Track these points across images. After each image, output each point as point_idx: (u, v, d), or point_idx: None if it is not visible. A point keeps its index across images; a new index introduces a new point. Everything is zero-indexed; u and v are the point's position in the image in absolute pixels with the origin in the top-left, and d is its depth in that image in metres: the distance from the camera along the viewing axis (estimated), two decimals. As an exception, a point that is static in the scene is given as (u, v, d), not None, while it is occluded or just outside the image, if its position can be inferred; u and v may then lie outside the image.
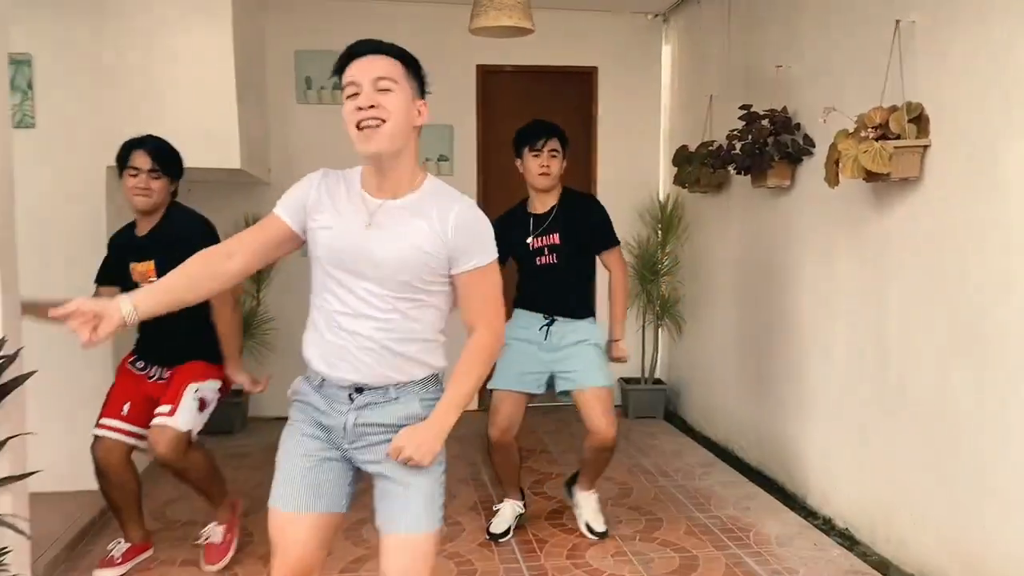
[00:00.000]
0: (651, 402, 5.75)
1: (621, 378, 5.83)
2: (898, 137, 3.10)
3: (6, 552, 2.84)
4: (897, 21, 3.21)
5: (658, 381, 5.89)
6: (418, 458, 1.94)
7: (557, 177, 3.57)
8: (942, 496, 3.07)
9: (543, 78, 5.93)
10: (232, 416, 5.32)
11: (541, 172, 3.52)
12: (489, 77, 5.83)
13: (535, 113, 5.80)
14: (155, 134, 3.93)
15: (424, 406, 2.03)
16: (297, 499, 2.02)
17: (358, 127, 1.95)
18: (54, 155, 3.88)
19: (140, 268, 3.21)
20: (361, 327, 1.98)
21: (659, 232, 5.78)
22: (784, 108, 4.07)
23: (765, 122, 4.09)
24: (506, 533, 3.60)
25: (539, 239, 3.55)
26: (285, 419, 2.14)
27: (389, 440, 1.99)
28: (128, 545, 3.36)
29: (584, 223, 3.57)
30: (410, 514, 1.98)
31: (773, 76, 4.19)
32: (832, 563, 3.37)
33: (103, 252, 3.98)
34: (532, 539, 3.61)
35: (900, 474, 3.32)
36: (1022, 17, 2.65)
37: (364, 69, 1.96)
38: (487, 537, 3.58)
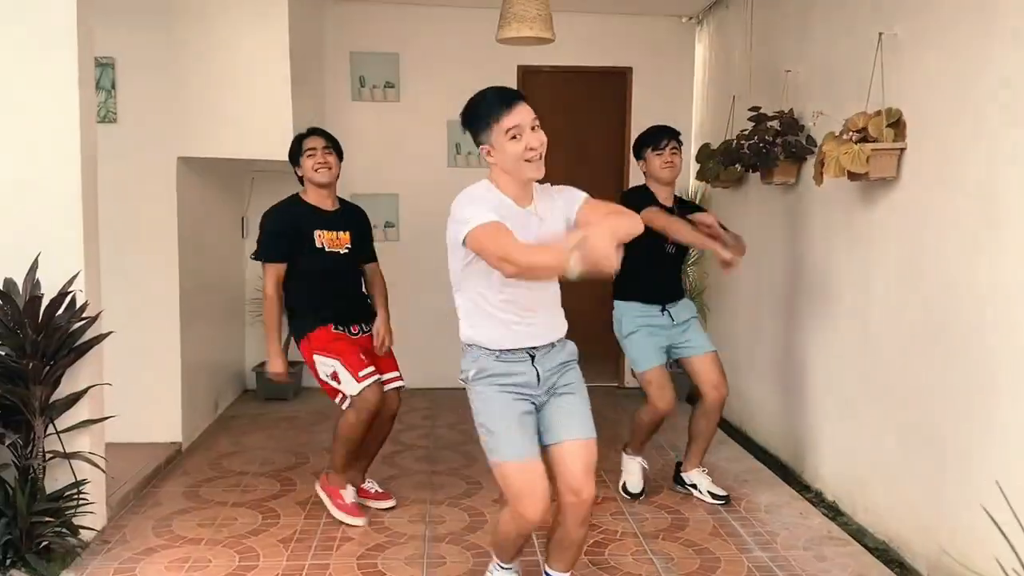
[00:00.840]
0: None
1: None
2: (876, 140, 3.40)
3: (85, 483, 3.37)
4: (880, 33, 3.49)
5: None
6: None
7: (679, 171, 4.03)
8: (908, 470, 3.37)
9: (580, 78, 6.29)
10: (287, 386, 5.84)
11: (666, 166, 3.94)
12: (529, 77, 6.21)
13: (573, 111, 6.26)
14: (218, 128, 4.46)
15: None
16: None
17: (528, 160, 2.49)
18: (133, 146, 4.40)
19: (329, 236, 3.71)
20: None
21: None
22: (791, 110, 4.36)
23: (774, 123, 4.39)
24: (640, 495, 4.04)
25: None
26: None
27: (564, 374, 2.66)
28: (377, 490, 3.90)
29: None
30: (586, 422, 2.60)
31: (782, 80, 4.48)
32: (811, 529, 3.68)
33: (175, 233, 4.53)
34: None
35: (875, 449, 3.61)
36: (988, 31, 2.91)
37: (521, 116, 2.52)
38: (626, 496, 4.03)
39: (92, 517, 3.45)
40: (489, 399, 2.57)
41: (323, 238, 3.71)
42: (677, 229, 3.76)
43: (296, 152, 3.80)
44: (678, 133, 4.05)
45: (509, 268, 2.34)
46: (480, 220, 2.41)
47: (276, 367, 3.75)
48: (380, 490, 3.92)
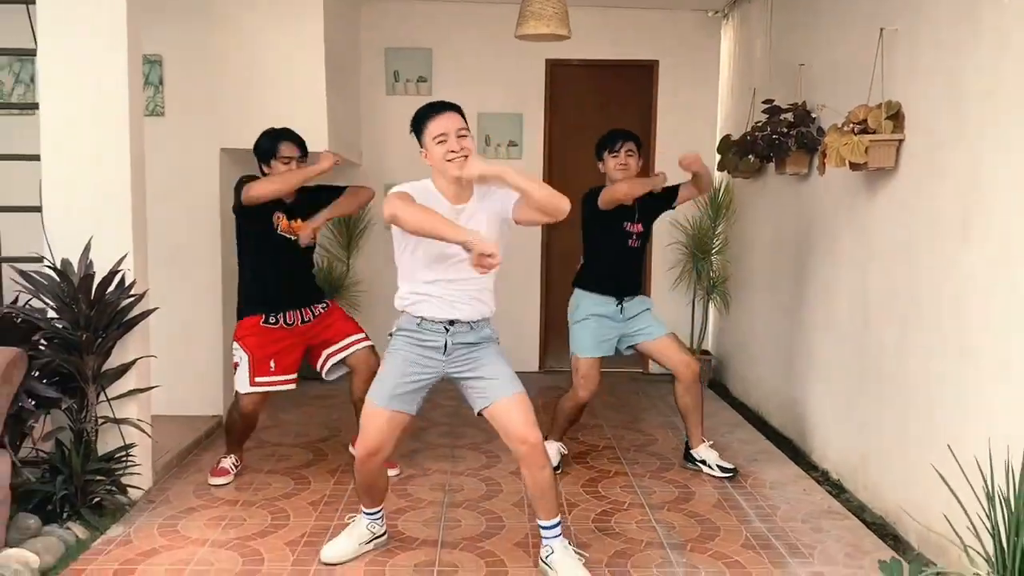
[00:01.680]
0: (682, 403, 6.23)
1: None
2: (875, 132, 3.54)
3: (133, 447, 3.67)
4: (881, 29, 3.63)
5: (705, 352, 6.39)
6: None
7: (634, 172, 4.20)
8: (901, 449, 3.52)
9: (607, 71, 6.47)
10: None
11: (619, 168, 4.15)
12: (557, 70, 6.41)
13: (599, 103, 6.45)
14: (258, 121, 4.73)
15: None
16: None
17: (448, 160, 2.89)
18: (179, 138, 4.70)
19: (286, 221, 3.93)
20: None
21: (711, 214, 6.25)
22: (804, 103, 4.51)
23: (788, 115, 4.54)
24: (556, 469, 4.21)
25: (634, 225, 4.21)
26: None
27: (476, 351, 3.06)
28: (235, 459, 4.15)
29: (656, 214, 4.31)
30: (511, 382, 3.02)
31: (797, 73, 4.63)
32: (813, 504, 3.85)
33: (217, 219, 4.83)
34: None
35: (875, 429, 3.77)
36: (979, 27, 3.05)
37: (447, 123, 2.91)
38: None
39: (139, 478, 3.76)
40: (391, 354, 3.06)
41: (280, 220, 3.92)
42: (633, 185, 4.07)
43: (269, 152, 3.88)
44: (634, 136, 4.23)
45: (386, 213, 2.78)
46: (394, 191, 2.87)
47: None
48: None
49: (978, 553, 2.18)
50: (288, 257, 3.95)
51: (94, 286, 3.43)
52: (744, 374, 5.85)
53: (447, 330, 3.01)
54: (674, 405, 5.26)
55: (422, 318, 3.01)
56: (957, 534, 2.24)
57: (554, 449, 4.30)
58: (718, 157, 5.75)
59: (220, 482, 4.00)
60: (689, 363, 4.20)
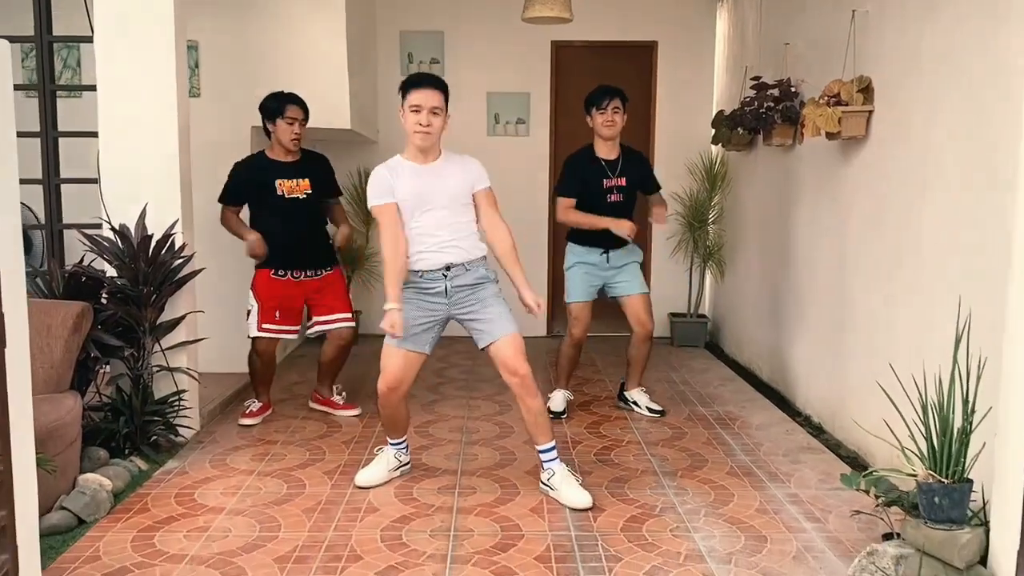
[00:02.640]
0: (693, 333, 6.67)
1: (669, 312, 6.78)
2: (847, 104, 3.94)
3: (184, 392, 4.11)
4: (853, 11, 4.02)
5: (701, 316, 6.81)
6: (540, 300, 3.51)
7: (619, 128, 4.57)
8: (871, 390, 3.93)
9: (609, 51, 6.86)
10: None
11: (606, 124, 4.51)
12: (561, 51, 6.80)
13: (602, 82, 6.78)
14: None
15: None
16: None
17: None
18: (214, 117, 5.12)
19: (289, 184, 4.41)
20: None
21: (707, 185, 6.65)
22: (788, 79, 4.90)
23: (774, 91, 4.93)
24: (562, 414, 4.68)
25: (613, 180, 4.57)
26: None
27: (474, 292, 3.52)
28: (261, 404, 4.62)
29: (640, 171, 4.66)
30: (507, 323, 3.45)
31: (783, 52, 5.02)
32: (793, 442, 4.27)
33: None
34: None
35: (849, 374, 4.18)
36: (931, 9, 3.43)
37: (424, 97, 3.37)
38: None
39: (189, 421, 4.20)
40: (404, 303, 3.44)
41: (283, 186, 4.39)
42: (588, 222, 4.50)
43: (275, 112, 4.35)
44: (620, 92, 4.58)
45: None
46: (375, 201, 3.44)
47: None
48: (345, 402, 4.77)
49: (913, 452, 2.60)
50: (296, 218, 4.41)
51: (151, 247, 3.86)
52: (737, 334, 6.26)
53: (445, 276, 3.46)
54: (674, 364, 5.69)
55: (422, 271, 3.47)
56: (897, 438, 2.65)
57: (560, 396, 4.74)
58: (712, 131, 6.13)
59: (250, 423, 4.49)
60: (644, 324, 4.64)
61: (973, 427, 2.49)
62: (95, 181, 4.09)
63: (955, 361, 2.52)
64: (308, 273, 4.50)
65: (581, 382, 5.40)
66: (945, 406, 2.51)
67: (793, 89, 4.77)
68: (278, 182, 4.39)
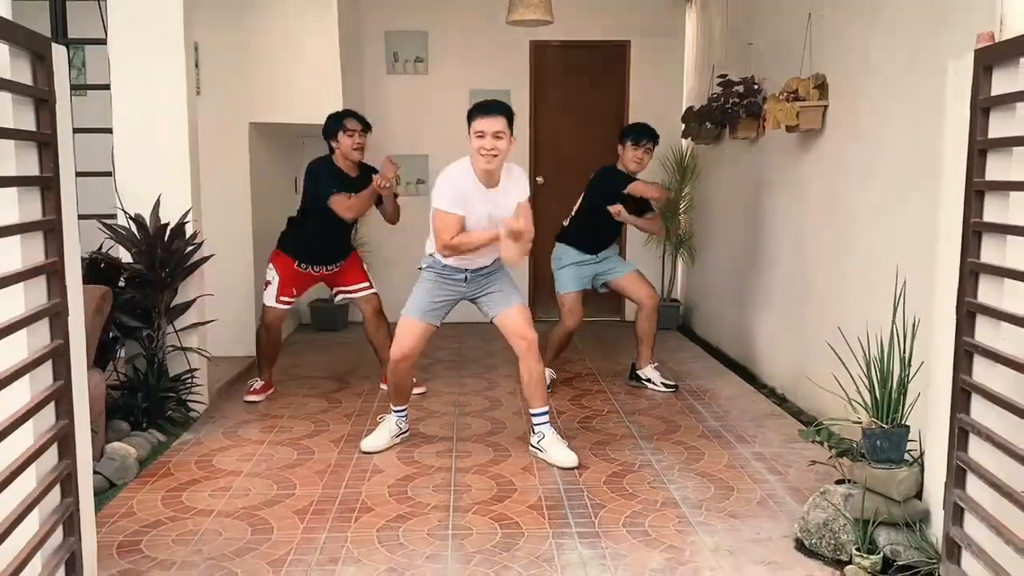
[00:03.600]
0: (667, 317, 7.01)
1: (644, 297, 7.16)
2: (804, 99, 4.32)
3: (196, 371, 4.41)
4: (809, 14, 4.41)
5: (674, 300, 7.20)
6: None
7: (645, 167, 5.02)
8: (823, 356, 4.32)
9: (585, 51, 7.22)
10: (337, 318, 6.91)
11: (635, 161, 4.93)
12: (540, 50, 7.15)
13: (578, 80, 7.20)
14: (282, 98, 5.44)
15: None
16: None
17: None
18: (214, 114, 5.39)
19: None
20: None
21: (678, 177, 7.03)
22: (752, 77, 5.28)
23: (739, 87, 5.31)
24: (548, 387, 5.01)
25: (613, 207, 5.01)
26: None
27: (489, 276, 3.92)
28: (263, 383, 4.94)
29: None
30: (514, 296, 3.86)
31: (747, 51, 5.40)
32: (759, 410, 4.66)
33: (248, 185, 5.54)
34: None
35: (806, 347, 4.58)
36: (876, 10, 3.82)
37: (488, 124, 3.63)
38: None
39: (199, 398, 4.50)
40: (423, 282, 3.89)
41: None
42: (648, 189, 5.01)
43: (335, 129, 4.63)
44: (656, 137, 5.02)
45: (439, 245, 3.72)
46: (448, 208, 3.67)
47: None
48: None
49: (859, 403, 2.98)
50: (335, 228, 4.73)
51: (166, 235, 4.16)
52: (706, 316, 6.66)
53: (467, 268, 3.85)
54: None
55: (445, 265, 3.83)
56: (845, 391, 3.03)
57: (546, 374, 5.08)
58: (683, 126, 6.51)
59: (255, 399, 4.82)
60: (651, 295, 5.04)
61: (910, 379, 2.87)
62: (110, 174, 4.38)
63: (893, 322, 2.90)
64: (328, 268, 4.87)
65: (563, 362, 5.75)
66: (886, 361, 2.89)
67: (756, 86, 5.15)
68: (341, 194, 4.65)
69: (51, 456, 2.34)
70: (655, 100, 7.21)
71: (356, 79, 6.68)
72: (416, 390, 4.94)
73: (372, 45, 7.06)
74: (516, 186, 3.80)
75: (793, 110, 4.31)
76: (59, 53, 2.41)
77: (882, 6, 3.78)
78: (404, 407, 4.10)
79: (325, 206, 4.62)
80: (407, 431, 4.12)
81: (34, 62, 2.27)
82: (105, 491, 3.46)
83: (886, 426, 2.89)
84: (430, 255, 3.92)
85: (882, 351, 2.92)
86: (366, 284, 4.93)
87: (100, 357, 4.06)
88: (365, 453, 3.93)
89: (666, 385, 5.06)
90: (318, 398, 4.91)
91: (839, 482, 3.31)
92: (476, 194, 3.71)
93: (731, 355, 5.92)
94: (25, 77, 2.22)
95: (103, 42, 4.38)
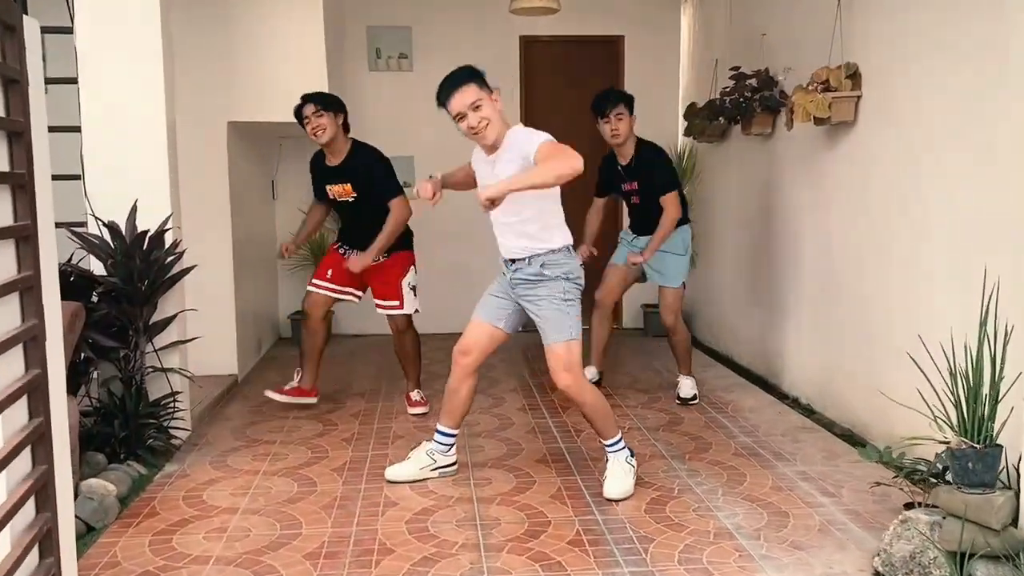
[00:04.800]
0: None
1: (643, 304, 6.85)
2: (836, 90, 4.04)
3: (178, 393, 3.99)
4: (839, 0, 4.12)
5: (675, 306, 6.88)
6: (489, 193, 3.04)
7: (627, 135, 4.60)
8: (861, 363, 4.04)
9: (576, 46, 6.90)
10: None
11: (613, 134, 4.58)
12: (530, 46, 6.81)
13: (570, 78, 6.86)
14: (262, 98, 5.05)
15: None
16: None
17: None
18: (189, 112, 4.93)
19: (337, 189, 4.44)
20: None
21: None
22: (766, 69, 4.99)
23: (752, 81, 5.02)
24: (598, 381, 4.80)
25: (629, 184, 4.72)
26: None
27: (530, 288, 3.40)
28: (297, 385, 4.58)
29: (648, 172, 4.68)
30: (548, 332, 3.37)
31: (759, 42, 5.11)
32: (788, 422, 4.36)
33: (227, 189, 5.13)
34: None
35: (837, 353, 4.28)
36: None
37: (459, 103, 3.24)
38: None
39: (182, 423, 4.07)
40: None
41: (333, 191, 4.48)
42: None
43: (299, 116, 4.43)
44: (624, 97, 4.62)
45: None
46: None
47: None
48: (419, 400, 4.63)
49: (944, 422, 2.67)
50: (351, 215, 4.50)
51: (145, 244, 3.74)
52: (713, 322, 6.36)
53: (509, 266, 3.45)
54: (653, 352, 5.73)
55: (502, 257, 3.51)
56: (930, 406, 2.72)
57: (590, 373, 4.77)
58: (684, 123, 6.22)
59: (277, 397, 4.55)
60: (663, 318, 4.86)
61: (1002, 394, 2.57)
62: (78, 177, 3.94)
63: (983, 329, 2.60)
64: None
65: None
66: (974, 374, 2.58)
67: (775, 79, 4.86)
68: (328, 188, 4.50)
69: (28, 510, 1.94)
70: (651, 97, 6.86)
71: (336, 76, 6.26)
72: (415, 410, 4.56)
73: (353, 40, 6.66)
74: (513, 151, 3.25)
75: (825, 101, 4.02)
76: (31, 26, 2.00)
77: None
78: (450, 430, 3.61)
79: (329, 199, 4.56)
80: (449, 467, 3.65)
81: (2, 34, 1.86)
82: (83, 536, 3.03)
83: (978, 446, 2.58)
84: None
85: (971, 361, 2.61)
86: (396, 303, 4.51)
87: (71, 381, 3.62)
88: (389, 482, 3.55)
89: (680, 398, 4.77)
90: (311, 420, 4.50)
91: (908, 506, 3.01)
92: (481, 164, 3.49)
93: (745, 364, 5.62)
94: (-9, 52, 1.83)
95: (68, 31, 3.94)
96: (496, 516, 3.19)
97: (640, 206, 4.75)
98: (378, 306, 4.58)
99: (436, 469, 3.60)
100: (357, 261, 4.37)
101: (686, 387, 4.78)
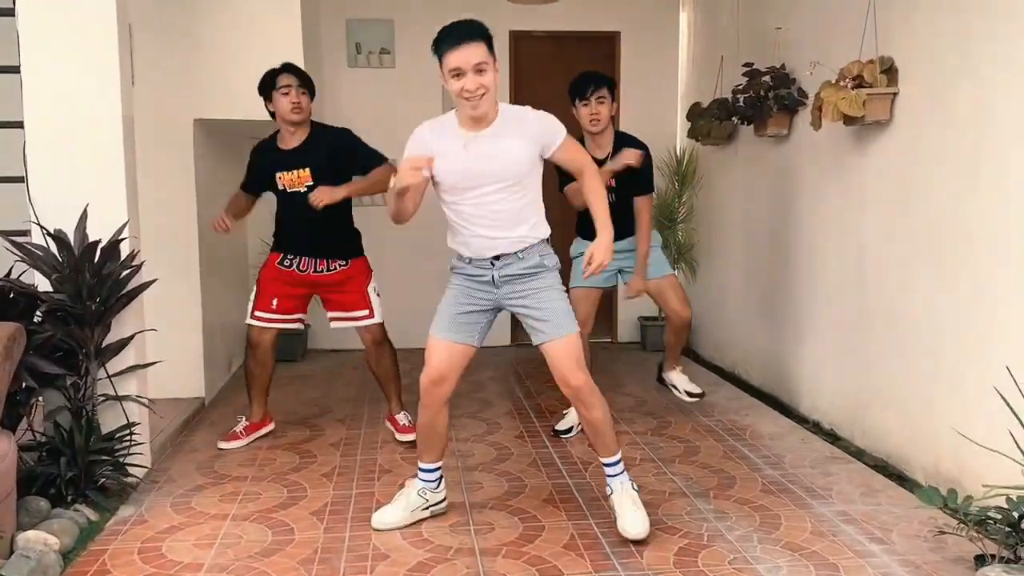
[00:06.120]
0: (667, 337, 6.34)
1: (640, 316, 6.46)
2: (871, 86, 3.66)
3: (135, 425, 3.52)
4: (873, -13, 3.75)
5: (674, 318, 6.49)
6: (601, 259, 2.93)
7: (606, 123, 4.15)
8: (901, 388, 3.66)
9: (569, 43, 6.49)
10: (295, 347, 6.00)
11: (592, 118, 4.11)
12: (520, 42, 6.40)
13: (562, 76, 6.37)
14: (232, 93, 4.57)
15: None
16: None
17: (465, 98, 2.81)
18: (150, 108, 4.47)
19: (289, 177, 3.94)
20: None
21: (676, 183, 6.34)
22: (783, 65, 4.61)
23: (767, 78, 4.64)
24: (569, 431, 4.25)
25: None
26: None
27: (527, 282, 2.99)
28: (248, 423, 4.13)
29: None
30: (557, 324, 2.99)
31: (773, 37, 4.73)
32: (814, 451, 3.96)
33: (193, 192, 4.66)
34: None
35: (871, 376, 3.90)
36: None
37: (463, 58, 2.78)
38: (552, 434, 4.26)
39: (140, 458, 3.59)
40: (449, 288, 3.12)
41: (283, 180, 3.97)
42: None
43: (269, 86, 3.94)
44: (607, 80, 4.18)
45: None
46: (415, 132, 3.03)
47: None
48: (407, 424, 4.16)
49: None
50: (296, 209, 3.92)
51: (96, 256, 3.27)
52: (717, 337, 5.97)
53: (493, 264, 2.99)
54: (654, 370, 5.32)
55: (471, 257, 3.02)
56: (1020, 447, 2.34)
57: (572, 416, 4.31)
58: (687, 125, 5.83)
59: (228, 445, 4.06)
60: (678, 312, 4.38)
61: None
62: (20, 180, 3.47)
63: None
64: (318, 267, 4.02)
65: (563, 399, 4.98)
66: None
67: (807, 73, 4.46)
68: (278, 176, 3.98)
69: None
70: (649, 97, 6.54)
71: (313, 72, 5.77)
72: (404, 437, 4.12)
73: (331, 34, 6.21)
74: (525, 138, 2.90)
75: (859, 98, 3.63)
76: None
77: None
78: (434, 465, 3.20)
79: (276, 192, 4.04)
80: (440, 503, 3.24)
81: None
82: (15, 604, 2.56)
83: (1079, 497, 2.19)
84: (455, 249, 3.10)
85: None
86: (366, 312, 4.07)
87: (8, 414, 3.15)
88: (376, 530, 3.09)
89: (690, 394, 4.50)
90: (286, 451, 4.04)
91: (979, 558, 2.63)
92: (450, 139, 2.92)
93: (754, 382, 5.23)
94: None
95: (9, 12, 3.46)
96: (503, 573, 2.75)
97: (614, 205, 4.20)
98: (343, 319, 4.11)
99: (428, 508, 3.19)
100: (326, 192, 3.75)
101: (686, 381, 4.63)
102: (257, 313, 4.05)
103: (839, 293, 4.19)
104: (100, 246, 3.29)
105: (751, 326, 5.30)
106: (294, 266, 4.02)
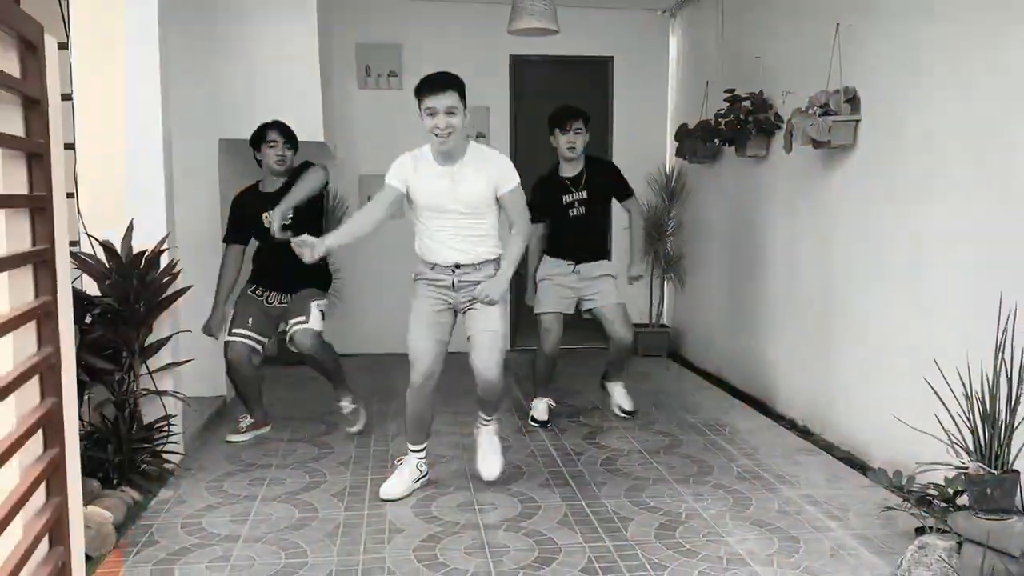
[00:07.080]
0: (656, 343, 6.74)
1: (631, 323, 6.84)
2: (836, 113, 4.06)
3: (172, 417, 3.90)
4: (837, 24, 4.16)
5: (663, 326, 6.89)
6: (493, 296, 3.53)
7: (580, 151, 4.66)
8: (858, 386, 4.05)
9: (566, 66, 6.92)
10: (288, 352, 6.36)
11: (568, 146, 4.58)
12: (520, 65, 6.82)
13: (560, 97, 6.84)
14: (255, 113, 4.96)
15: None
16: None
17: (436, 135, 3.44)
18: (179, 129, 4.84)
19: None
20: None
21: (665, 199, 6.75)
22: (761, 91, 5.02)
23: (747, 103, 5.05)
24: (546, 423, 4.69)
25: (571, 196, 4.68)
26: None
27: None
28: (252, 421, 4.46)
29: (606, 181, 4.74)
30: (487, 321, 3.56)
31: (753, 65, 5.15)
32: (787, 445, 4.35)
33: (217, 206, 5.04)
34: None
35: (837, 376, 4.29)
36: (928, 19, 3.58)
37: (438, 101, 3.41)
38: (531, 422, 4.74)
39: (174, 447, 3.98)
40: (417, 297, 3.64)
41: (267, 219, 4.27)
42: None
43: (259, 138, 4.40)
44: (582, 114, 4.69)
45: None
46: (388, 178, 3.58)
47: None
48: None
49: (960, 447, 2.67)
50: (280, 250, 4.12)
51: (142, 264, 3.66)
52: (701, 342, 6.36)
53: (454, 272, 3.56)
54: (644, 374, 5.71)
55: (435, 263, 3.57)
56: (946, 431, 2.72)
57: (543, 406, 4.76)
58: (675, 144, 6.24)
59: (236, 439, 4.44)
60: (619, 335, 4.72)
61: (1018, 420, 2.58)
62: (71, 196, 3.85)
63: (999, 353, 2.61)
64: (282, 300, 4.47)
65: (564, 394, 5.36)
66: (989, 400, 2.59)
67: (769, 102, 4.89)
68: (264, 216, 4.31)
69: (43, 546, 1.86)
70: (639, 118, 6.96)
71: (325, 93, 6.20)
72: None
73: (342, 58, 6.61)
74: (487, 178, 3.51)
75: (825, 125, 4.04)
76: (52, 44, 1.95)
77: (931, 7, 3.54)
78: (422, 446, 3.75)
79: (259, 231, 4.39)
80: (427, 475, 3.78)
81: (23, 52, 1.80)
82: (80, 567, 2.93)
83: (996, 472, 2.58)
84: (420, 257, 3.66)
85: (987, 385, 2.62)
86: (300, 319, 4.35)
87: (63, 405, 3.52)
88: (385, 500, 3.54)
89: (622, 409, 4.85)
90: (306, 443, 4.42)
91: (919, 531, 3.01)
92: (427, 171, 3.53)
93: (736, 384, 5.62)
94: (12, 69, 1.76)
95: (64, 47, 3.86)
96: (504, 543, 3.14)
97: (583, 217, 4.69)
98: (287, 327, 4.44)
99: (419, 480, 3.72)
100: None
101: (622, 395, 4.94)
102: (235, 330, 4.38)
103: (808, 300, 4.59)
104: (145, 256, 3.67)
105: (732, 331, 5.70)
106: (263, 298, 4.45)
